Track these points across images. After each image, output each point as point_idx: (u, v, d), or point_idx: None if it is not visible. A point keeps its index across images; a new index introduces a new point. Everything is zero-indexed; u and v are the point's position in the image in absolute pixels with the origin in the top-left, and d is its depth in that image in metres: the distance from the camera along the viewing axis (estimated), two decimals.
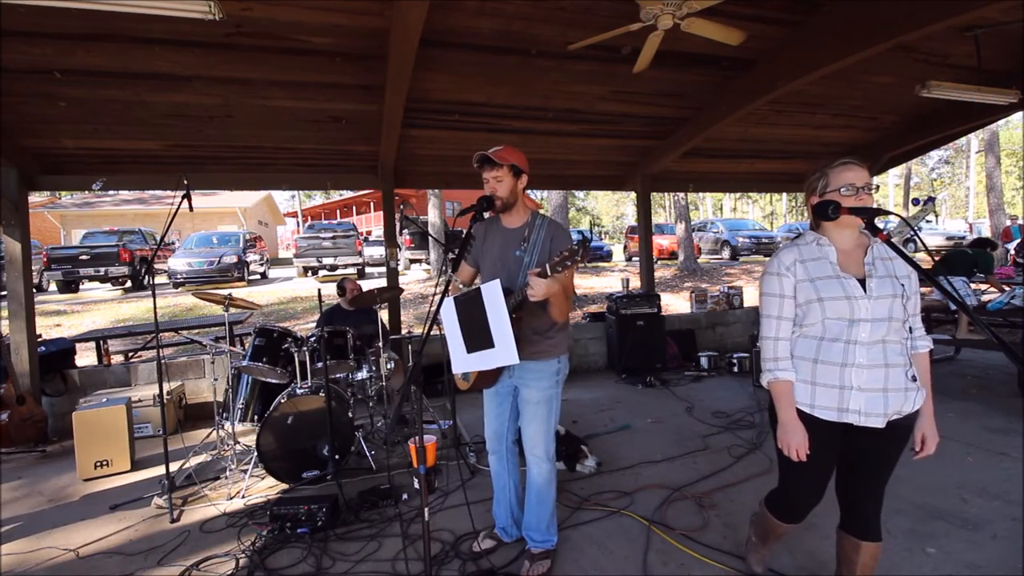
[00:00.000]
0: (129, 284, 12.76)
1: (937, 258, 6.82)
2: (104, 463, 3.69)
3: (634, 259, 16.63)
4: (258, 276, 15.02)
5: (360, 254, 14.67)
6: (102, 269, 11.93)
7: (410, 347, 4.45)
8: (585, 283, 12.18)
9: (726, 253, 16.55)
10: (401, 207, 6.02)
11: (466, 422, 4.40)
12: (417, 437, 1.79)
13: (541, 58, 3.82)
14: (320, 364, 3.47)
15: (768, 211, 39.13)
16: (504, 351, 1.99)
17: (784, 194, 31.26)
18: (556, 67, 3.97)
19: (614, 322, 5.95)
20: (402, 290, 5.91)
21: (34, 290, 5.32)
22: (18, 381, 4.26)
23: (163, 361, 4.02)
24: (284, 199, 35.47)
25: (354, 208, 28.17)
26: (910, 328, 1.68)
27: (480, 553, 2.48)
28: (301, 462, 3.30)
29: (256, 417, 3.70)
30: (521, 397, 2.32)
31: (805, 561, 2.34)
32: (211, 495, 3.24)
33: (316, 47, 3.44)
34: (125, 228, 14.87)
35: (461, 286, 2.38)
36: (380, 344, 4.14)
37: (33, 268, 5.19)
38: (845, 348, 1.63)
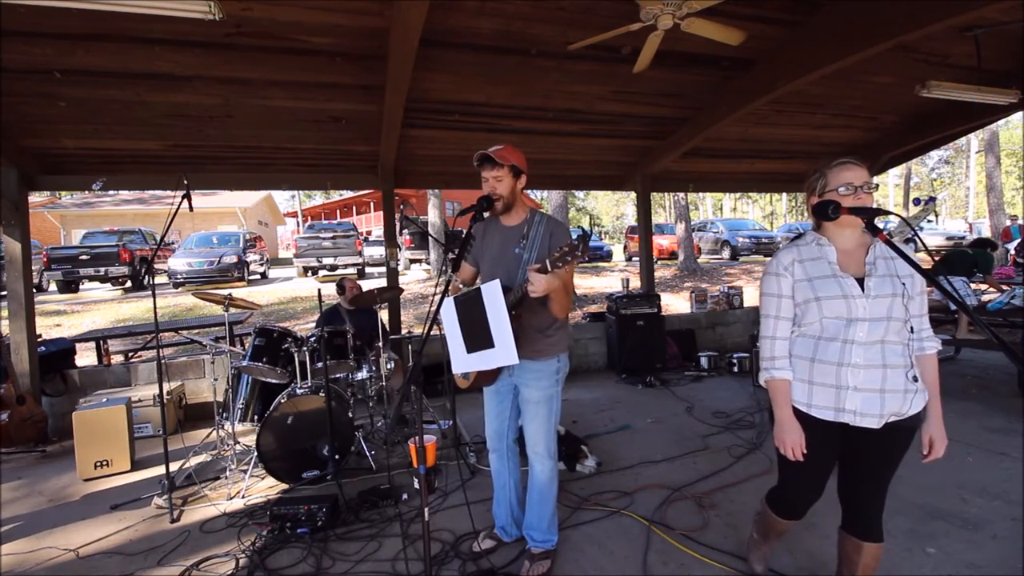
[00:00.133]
0: (129, 284, 12.76)
1: (937, 258, 6.81)
2: (104, 463, 3.69)
3: (634, 259, 16.63)
4: (258, 276, 15.02)
5: (360, 254, 14.67)
6: (102, 269, 11.93)
7: (410, 347, 4.45)
8: (585, 283, 12.18)
9: (726, 253, 16.55)
10: (401, 207, 6.01)
11: (466, 422, 4.40)
12: (417, 437, 1.79)
13: (541, 58, 3.82)
14: (320, 364, 3.47)
15: (768, 211, 39.14)
16: (504, 351, 1.99)
17: (784, 194, 31.27)
18: (556, 67, 3.97)
19: (614, 322, 5.95)
20: (402, 290, 5.91)
21: (34, 290, 5.32)
22: (18, 381, 4.26)
23: (163, 361, 4.03)
24: (284, 199, 35.52)
25: (354, 208, 28.17)
26: (912, 328, 1.66)
27: (480, 553, 2.48)
28: (301, 462, 3.30)
29: (256, 417, 3.70)
30: (521, 397, 2.32)
31: (805, 561, 2.34)
32: (211, 495, 3.24)
33: (316, 47, 3.44)
34: (125, 228, 14.86)
35: (461, 286, 2.38)
36: (380, 344, 4.14)
37: (33, 268, 5.19)
38: (842, 347, 1.63)
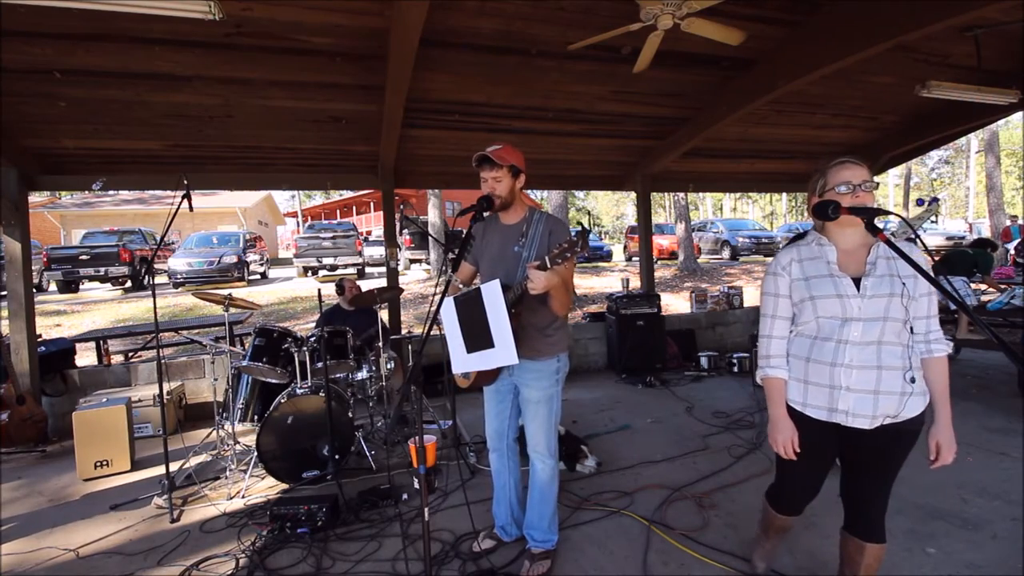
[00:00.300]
0: (129, 284, 12.76)
1: (937, 258, 6.82)
2: (104, 463, 3.69)
3: (634, 259, 16.63)
4: (258, 276, 15.02)
5: (360, 254, 14.67)
6: (102, 269, 11.93)
7: (410, 347, 4.45)
8: (585, 283, 12.18)
9: (726, 253, 16.55)
10: (401, 207, 6.02)
11: (466, 422, 4.40)
12: (417, 437, 1.79)
13: (541, 58, 3.82)
14: (320, 364, 3.47)
15: (768, 211, 39.14)
16: (504, 351, 1.99)
17: (784, 194, 31.28)
18: (556, 67, 3.97)
19: (614, 322, 5.95)
20: (402, 290, 5.91)
21: (34, 290, 5.32)
22: (18, 381, 4.26)
23: (163, 361, 4.02)
24: (284, 199, 35.51)
25: (354, 208, 28.17)
26: (912, 329, 1.63)
27: (480, 553, 2.48)
28: (301, 462, 3.30)
29: (256, 417, 3.70)
30: (522, 396, 2.32)
31: (805, 561, 2.34)
32: (211, 495, 3.24)
33: (316, 47, 3.44)
34: (125, 228, 14.86)
35: (460, 285, 2.38)
36: (380, 344, 4.14)
37: (33, 268, 5.19)
38: (836, 347, 1.63)
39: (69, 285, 12.29)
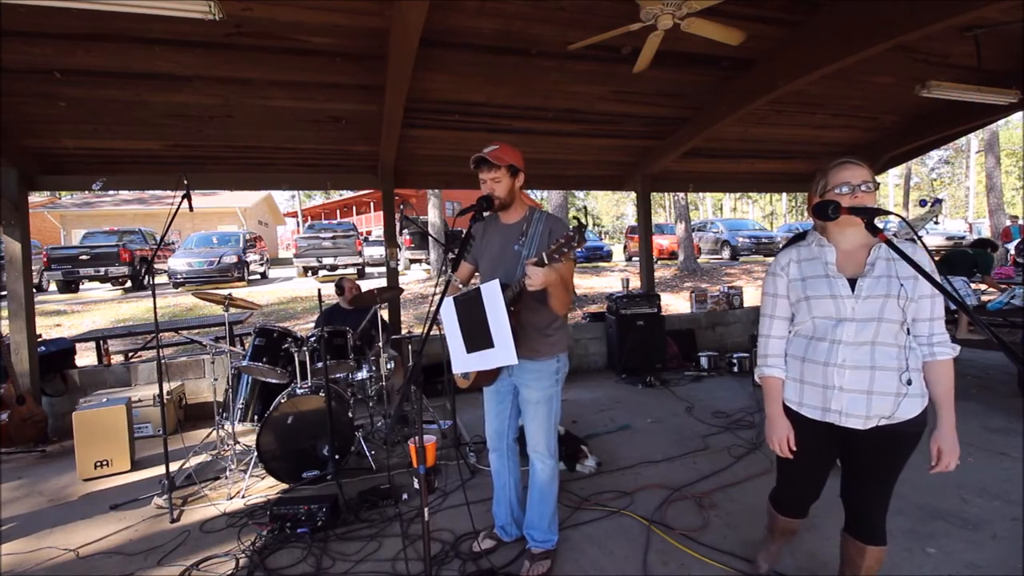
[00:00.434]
0: (129, 284, 12.76)
1: (937, 258, 6.82)
2: (104, 463, 3.69)
3: (634, 259, 16.63)
4: (258, 276, 15.02)
5: (360, 254, 14.68)
6: (102, 269, 11.93)
7: (410, 347, 4.45)
8: (585, 283, 12.18)
9: (726, 253, 16.55)
10: (401, 207, 6.02)
11: (466, 422, 4.40)
12: (417, 437, 1.79)
13: (541, 58, 3.82)
14: (320, 364, 3.47)
15: (768, 211, 39.13)
16: (503, 351, 1.99)
17: (784, 194, 31.28)
18: (556, 67, 3.96)
19: (614, 322, 5.95)
20: (402, 290, 5.91)
21: (34, 290, 5.32)
22: (18, 381, 4.26)
23: (163, 361, 4.02)
24: (284, 199, 35.51)
25: (354, 208, 28.17)
26: (908, 330, 1.61)
27: (480, 553, 2.48)
28: (301, 462, 3.30)
29: (256, 417, 3.70)
30: (521, 397, 2.32)
31: (805, 562, 2.34)
32: (211, 495, 3.24)
33: (316, 47, 3.44)
34: (125, 228, 14.86)
35: (460, 285, 2.38)
36: (380, 344, 4.14)
37: (33, 268, 5.19)
38: (829, 347, 1.63)
39: (69, 285, 12.30)
